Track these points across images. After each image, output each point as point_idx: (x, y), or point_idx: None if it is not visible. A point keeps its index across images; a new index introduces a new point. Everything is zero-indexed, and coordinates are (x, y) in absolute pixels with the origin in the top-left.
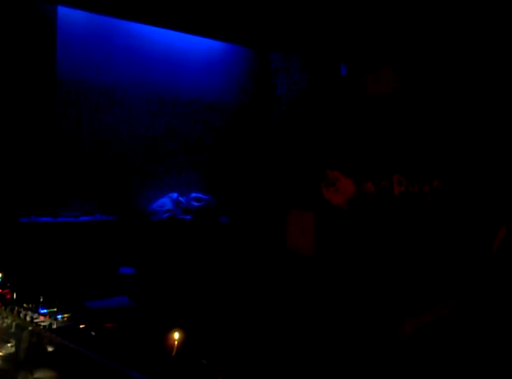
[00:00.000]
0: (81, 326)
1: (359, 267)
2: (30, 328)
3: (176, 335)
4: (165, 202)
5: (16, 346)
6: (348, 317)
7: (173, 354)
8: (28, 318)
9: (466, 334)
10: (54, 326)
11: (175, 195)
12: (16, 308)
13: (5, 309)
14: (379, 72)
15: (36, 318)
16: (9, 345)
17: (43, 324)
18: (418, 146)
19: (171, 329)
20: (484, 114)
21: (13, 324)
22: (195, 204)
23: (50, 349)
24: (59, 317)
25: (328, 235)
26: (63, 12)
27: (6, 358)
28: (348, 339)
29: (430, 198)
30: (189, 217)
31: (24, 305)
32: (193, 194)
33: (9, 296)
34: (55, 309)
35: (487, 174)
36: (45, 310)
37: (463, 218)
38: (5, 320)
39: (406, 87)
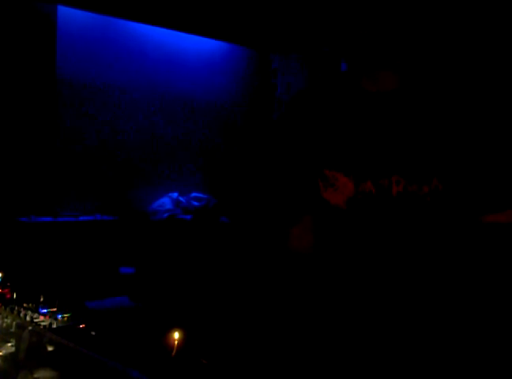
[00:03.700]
0: (81, 326)
1: (357, 266)
2: (30, 328)
3: (176, 335)
4: (165, 202)
5: (17, 346)
6: (346, 316)
7: (173, 354)
8: (28, 318)
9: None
10: (54, 326)
11: (175, 195)
12: (16, 308)
13: (5, 309)
14: (379, 73)
15: (36, 318)
16: (9, 345)
17: (43, 324)
18: (417, 146)
19: (171, 329)
20: (484, 113)
21: (13, 324)
22: (195, 203)
23: (50, 349)
24: (59, 317)
25: (327, 234)
26: (63, 12)
27: (6, 358)
28: (347, 337)
29: (429, 199)
30: (189, 217)
31: (24, 305)
32: (193, 194)
33: (9, 296)
34: (55, 309)
35: (485, 174)
36: (45, 310)
37: (459, 218)
38: (5, 320)
39: (406, 86)
